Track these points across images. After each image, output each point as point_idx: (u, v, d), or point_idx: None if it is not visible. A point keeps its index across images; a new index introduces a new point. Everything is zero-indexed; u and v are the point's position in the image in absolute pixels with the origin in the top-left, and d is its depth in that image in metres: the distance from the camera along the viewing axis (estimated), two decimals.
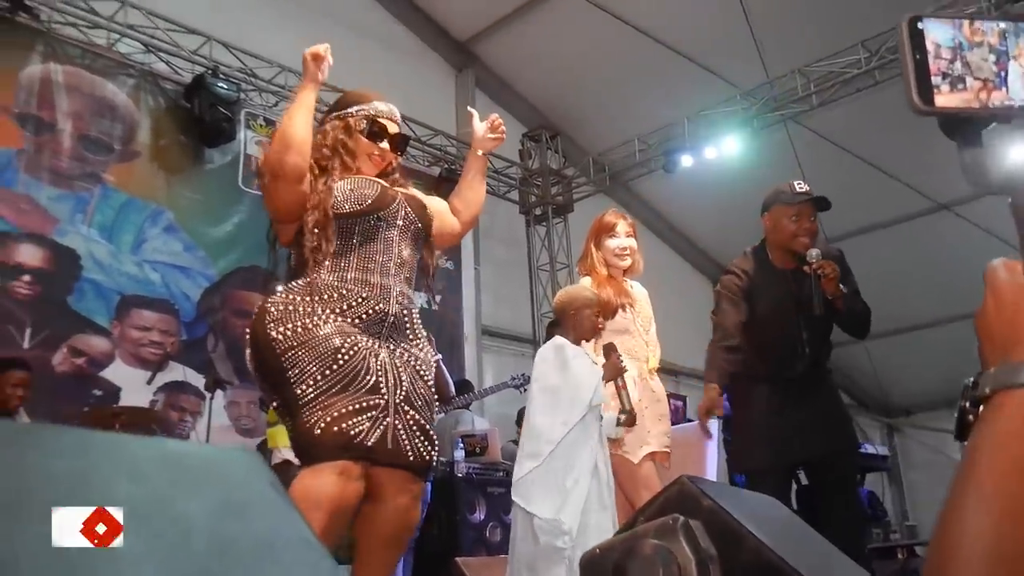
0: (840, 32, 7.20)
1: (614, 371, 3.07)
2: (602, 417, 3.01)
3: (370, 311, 2.26)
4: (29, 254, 5.63)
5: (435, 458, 2.30)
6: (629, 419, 3.07)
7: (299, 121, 2.28)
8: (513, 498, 2.91)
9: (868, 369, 9.93)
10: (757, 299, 3.35)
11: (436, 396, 2.42)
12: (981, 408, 0.72)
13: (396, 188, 2.48)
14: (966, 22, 0.92)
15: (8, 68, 5.77)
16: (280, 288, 2.31)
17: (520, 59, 9.00)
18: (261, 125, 7.00)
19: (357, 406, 2.12)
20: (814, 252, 3.20)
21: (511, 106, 9.30)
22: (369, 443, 2.10)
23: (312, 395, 2.12)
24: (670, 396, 5.23)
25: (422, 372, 2.33)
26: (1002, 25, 0.89)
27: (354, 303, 2.25)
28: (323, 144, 2.44)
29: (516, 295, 8.78)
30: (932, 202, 8.91)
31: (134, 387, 5.72)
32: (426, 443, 2.24)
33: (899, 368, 10.29)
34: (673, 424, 3.75)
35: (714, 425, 5.24)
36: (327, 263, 2.30)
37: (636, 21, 8.03)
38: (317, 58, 2.34)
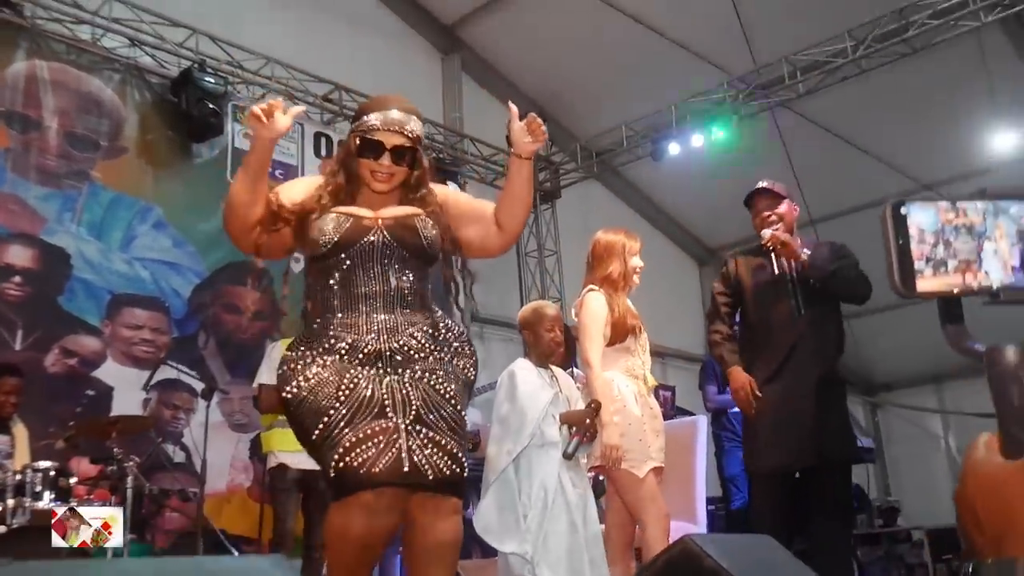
0: (827, 20, 7.22)
1: (576, 418, 3.10)
2: (572, 444, 3.04)
3: (360, 355, 2.23)
4: (18, 255, 5.61)
5: (459, 473, 2.18)
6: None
7: (235, 183, 2.28)
8: (477, 531, 3.01)
9: (851, 347, 10.04)
10: (745, 278, 3.69)
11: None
12: None
13: (383, 212, 2.35)
14: (945, 203, 0.94)
15: None
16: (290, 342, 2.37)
17: (507, 43, 8.93)
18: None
19: (361, 435, 2.09)
20: (765, 232, 3.61)
21: (498, 91, 9.23)
22: (376, 470, 2.04)
23: (323, 437, 2.15)
24: (659, 387, 5.26)
25: (438, 387, 2.24)
26: (981, 205, 0.92)
27: (343, 351, 2.24)
28: (330, 171, 2.42)
29: (504, 282, 8.81)
30: (915, 183, 8.99)
31: (127, 386, 5.75)
32: (445, 459, 2.14)
33: (881, 346, 10.43)
34: (665, 419, 3.85)
35: (702, 421, 5.34)
36: (318, 309, 2.32)
37: (625, 6, 7.99)
38: (255, 118, 2.22)
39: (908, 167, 8.88)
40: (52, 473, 4.32)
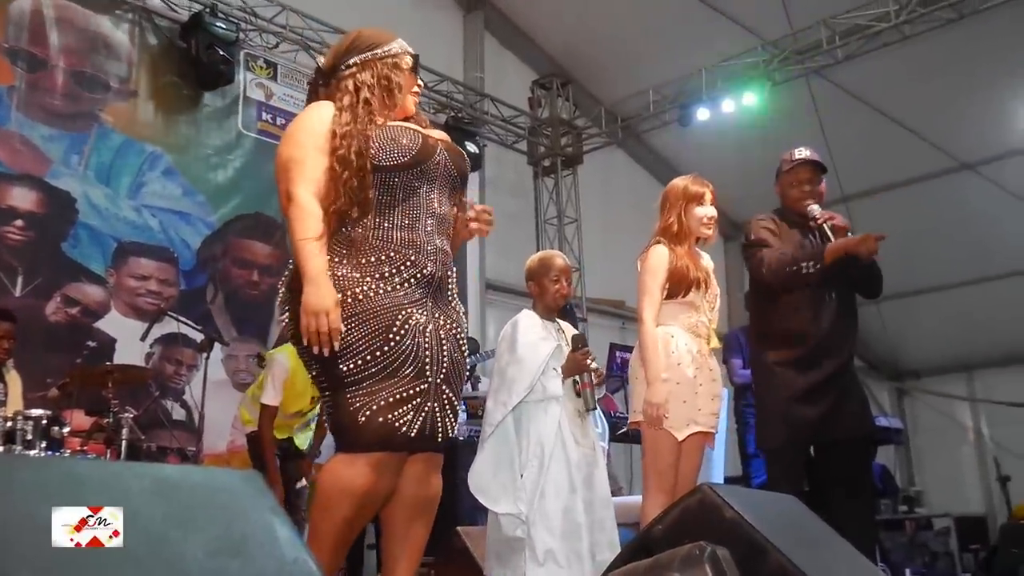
0: None
1: (574, 366, 3.02)
2: (588, 396, 3.01)
3: (417, 275, 2.12)
4: (21, 197, 5.42)
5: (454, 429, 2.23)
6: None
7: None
8: (472, 490, 2.90)
9: (879, 331, 9.75)
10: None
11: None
12: None
13: (431, 132, 2.30)
14: None
15: None
16: None
17: (532, 1, 8.64)
18: (261, 67, 6.72)
19: (402, 395, 2.04)
20: (815, 207, 3.32)
21: (521, 51, 8.98)
22: (412, 434, 2.04)
23: (359, 376, 2.03)
24: None
25: (460, 340, 2.24)
26: None
27: (401, 267, 2.11)
28: (365, 83, 2.23)
29: (522, 248, 8.50)
30: (955, 161, 8.63)
31: (130, 339, 5.52)
32: (453, 419, 2.18)
33: (911, 331, 10.11)
34: None
35: (724, 394, 5.14)
36: (366, 219, 2.13)
37: None
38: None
39: (948, 144, 8.51)
40: (44, 422, 4.16)
